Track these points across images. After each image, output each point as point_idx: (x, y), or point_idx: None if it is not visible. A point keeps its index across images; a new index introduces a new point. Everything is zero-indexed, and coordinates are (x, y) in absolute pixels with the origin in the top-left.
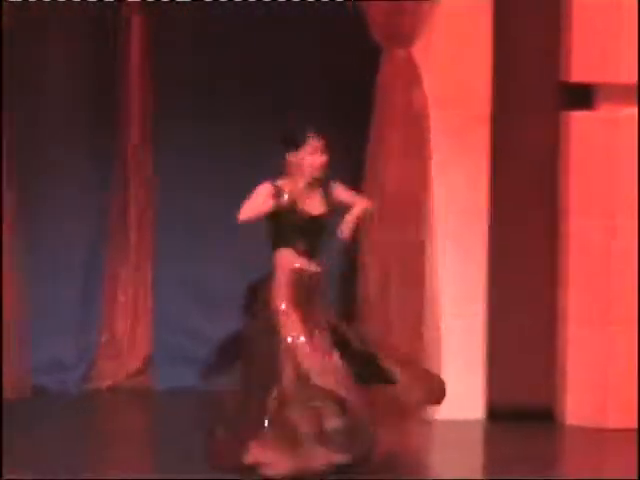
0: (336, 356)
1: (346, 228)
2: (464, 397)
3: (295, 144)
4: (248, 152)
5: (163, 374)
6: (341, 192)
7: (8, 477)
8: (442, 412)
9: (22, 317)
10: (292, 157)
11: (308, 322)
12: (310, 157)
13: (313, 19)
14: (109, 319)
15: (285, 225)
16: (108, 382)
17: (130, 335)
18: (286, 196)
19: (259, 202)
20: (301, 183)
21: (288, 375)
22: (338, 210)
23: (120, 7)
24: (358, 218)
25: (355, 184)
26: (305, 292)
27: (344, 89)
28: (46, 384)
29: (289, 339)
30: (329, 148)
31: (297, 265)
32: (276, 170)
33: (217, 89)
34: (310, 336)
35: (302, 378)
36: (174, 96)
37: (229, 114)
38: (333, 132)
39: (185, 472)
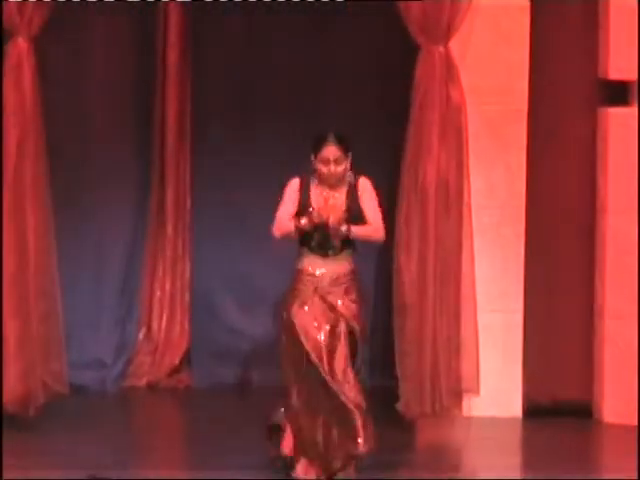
0: (341, 356)
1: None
2: (502, 394)
3: (314, 150)
4: (286, 149)
5: (201, 371)
6: (366, 201)
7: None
8: (480, 409)
9: (58, 315)
10: (314, 161)
11: (320, 321)
12: (322, 166)
13: (351, 17)
14: (146, 315)
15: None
16: (146, 379)
17: (167, 331)
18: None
19: (287, 209)
20: (323, 185)
21: (299, 375)
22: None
23: (159, 6)
24: (358, 237)
25: (393, 179)
26: (316, 291)
27: (384, 85)
28: (84, 382)
29: (300, 338)
30: (368, 143)
31: (300, 266)
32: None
33: (255, 87)
34: (319, 335)
35: (308, 377)
36: (211, 94)
37: (266, 112)
38: (372, 128)
39: (221, 469)
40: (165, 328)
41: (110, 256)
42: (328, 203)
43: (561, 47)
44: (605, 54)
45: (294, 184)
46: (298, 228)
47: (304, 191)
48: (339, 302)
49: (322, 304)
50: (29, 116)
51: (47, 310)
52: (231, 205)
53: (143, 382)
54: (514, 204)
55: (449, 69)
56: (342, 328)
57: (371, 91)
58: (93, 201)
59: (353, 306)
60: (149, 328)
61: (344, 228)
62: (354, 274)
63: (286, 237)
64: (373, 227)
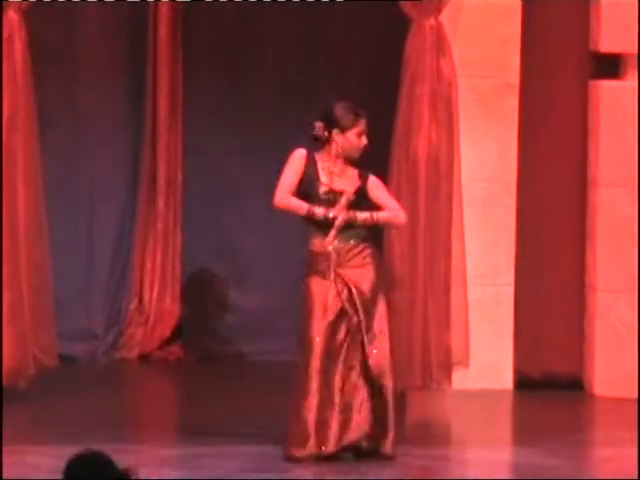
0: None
1: (339, 208)
2: (492, 367)
3: (343, 124)
4: (278, 124)
5: (192, 343)
6: (378, 193)
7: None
8: (471, 382)
9: (49, 287)
10: (337, 135)
11: (330, 298)
12: (357, 139)
13: None
14: (138, 287)
15: (310, 198)
16: (137, 351)
17: (158, 303)
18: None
19: (291, 179)
20: (337, 160)
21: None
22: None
23: None
24: (378, 223)
25: (384, 153)
26: (326, 268)
27: (374, 58)
28: (75, 353)
29: (309, 315)
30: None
31: (311, 247)
32: (307, 138)
33: (246, 62)
34: (326, 312)
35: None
36: (203, 69)
37: (259, 87)
38: (361, 101)
39: (212, 442)
40: (156, 300)
41: (102, 228)
42: (334, 181)
43: (553, 20)
44: (596, 27)
45: (300, 155)
46: (310, 215)
47: (311, 165)
48: (355, 274)
49: (338, 278)
50: (20, 89)
51: (38, 283)
52: (223, 179)
53: (134, 354)
54: (505, 178)
55: (440, 42)
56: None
57: (361, 64)
58: (84, 175)
59: (369, 275)
60: (140, 300)
61: (365, 216)
62: (367, 243)
63: (286, 212)
64: (394, 211)
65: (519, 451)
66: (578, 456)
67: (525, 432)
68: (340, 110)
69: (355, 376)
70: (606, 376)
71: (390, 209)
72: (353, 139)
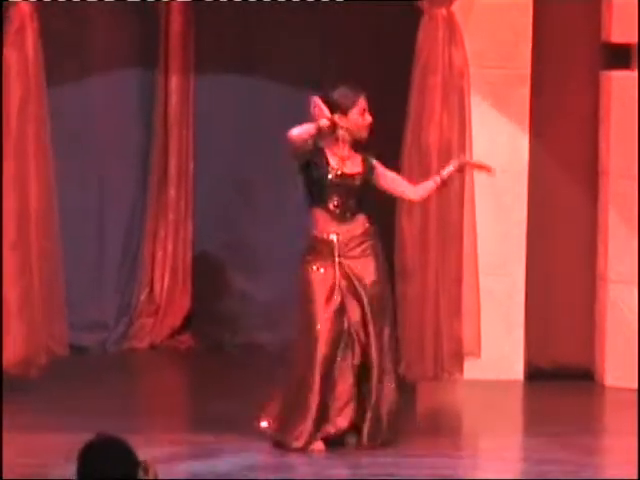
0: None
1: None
2: (504, 357)
3: (344, 105)
4: (290, 116)
5: (202, 332)
6: (391, 177)
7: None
8: (482, 372)
9: (60, 277)
10: (340, 119)
11: (333, 285)
12: (360, 117)
13: None
14: (148, 277)
15: (317, 180)
16: (147, 341)
17: (169, 293)
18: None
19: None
20: (344, 146)
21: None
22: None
23: None
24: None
25: (396, 144)
26: (331, 256)
27: (385, 48)
28: (85, 343)
29: (311, 303)
30: (371, 107)
31: (314, 232)
32: None
33: (258, 53)
34: (330, 302)
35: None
36: (215, 60)
37: (270, 78)
38: (373, 91)
39: (223, 432)
40: (167, 290)
41: (112, 218)
42: (345, 164)
43: (565, 10)
44: (608, 17)
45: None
46: (320, 127)
47: (319, 154)
48: (357, 265)
49: (340, 268)
50: (32, 80)
51: (49, 272)
52: (234, 169)
53: (145, 344)
54: (517, 168)
55: (452, 32)
56: (360, 293)
57: (373, 55)
58: (96, 165)
59: (371, 265)
60: (151, 290)
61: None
62: (371, 234)
63: (300, 137)
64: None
65: (529, 442)
66: (588, 447)
67: (536, 423)
68: (337, 94)
69: (347, 369)
70: (617, 367)
71: (406, 186)
72: (356, 118)
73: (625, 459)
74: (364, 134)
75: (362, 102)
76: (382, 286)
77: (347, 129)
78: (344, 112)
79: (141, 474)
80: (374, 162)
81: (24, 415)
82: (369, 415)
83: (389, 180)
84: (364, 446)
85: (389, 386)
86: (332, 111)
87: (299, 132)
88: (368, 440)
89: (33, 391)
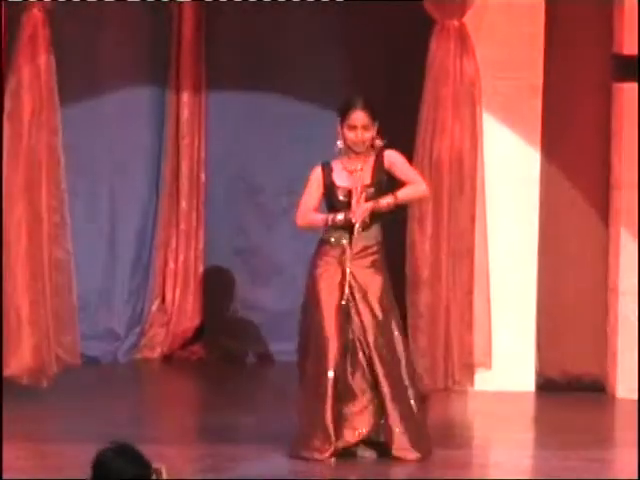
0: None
1: (360, 213)
2: (515, 368)
3: (340, 116)
4: (301, 123)
5: (214, 343)
6: (397, 166)
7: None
8: (493, 384)
9: (71, 287)
10: (339, 129)
11: (342, 293)
12: (348, 132)
13: None
14: (160, 287)
15: (331, 202)
16: (158, 351)
17: (180, 303)
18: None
19: (311, 198)
20: (349, 155)
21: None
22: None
23: None
24: (405, 201)
25: (408, 154)
26: (340, 263)
27: (397, 59)
28: (96, 353)
29: (319, 311)
30: (381, 117)
31: (324, 236)
32: (332, 141)
33: (270, 59)
34: (338, 309)
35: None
36: (226, 66)
37: (282, 84)
38: (385, 102)
39: (235, 442)
40: (178, 300)
41: (124, 228)
42: (350, 180)
43: (576, 22)
44: (620, 29)
45: (316, 174)
46: (333, 223)
47: (327, 176)
48: (365, 274)
49: (347, 275)
50: (44, 86)
51: (60, 282)
52: (246, 179)
53: (156, 354)
54: (528, 179)
55: (464, 43)
56: (364, 303)
57: (385, 65)
58: (107, 174)
59: (378, 278)
60: (162, 300)
61: (388, 199)
62: (380, 246)
63: (310, 229)
64: (414, 185)
65: (540, 453)
66: (600, 458)
67: (547, 434)
68: (341, 103)
69: (359, 378)
70: (628, 378)
71: (411, 181)
72: (346, 132)
73: (636, 471)
74: (358, 149)
75: (354, 118)
76: (387, 296)
77: (344, 140)
78: (341, 122)
79: (154, 477)
80: (385, 153)
81: (35, 425)
82: (385, 427)
83: (399, 173)
84: (380, 457)
85: (407, 399)
86: (339, 119)
87: (306, 224)
88: (385, 450)
89: (44, 401)
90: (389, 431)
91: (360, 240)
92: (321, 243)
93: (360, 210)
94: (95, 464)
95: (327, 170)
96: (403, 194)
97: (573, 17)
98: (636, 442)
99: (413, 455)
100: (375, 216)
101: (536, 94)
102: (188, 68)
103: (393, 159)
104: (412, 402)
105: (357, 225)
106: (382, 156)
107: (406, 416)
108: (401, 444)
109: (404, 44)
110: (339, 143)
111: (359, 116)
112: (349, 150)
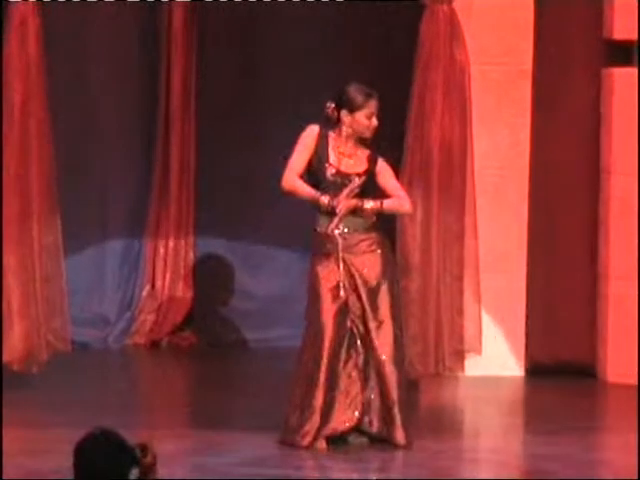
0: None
1: (343, 207)
2: (505, 354)
3: (353, 104)
4: (292, 110)
5: (204, 329)
6: (386, 179)
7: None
8: (483, 369)
9: (61, 273)
10: (345, 117)
11: (338, 283)
12: (367, 120)
13: None
14: (150, 273)
15: (318, 179)
16: (149, 337)
17: (171, 289)
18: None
19: (300, 159)
20: (347, 141)
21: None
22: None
23: None
24: (388, 211)
25: (397, 140)
26: (335, 252)
27: (387, 44)
28: (87, 339)
29: (317, 300)
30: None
31: (318, 228)
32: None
33: (261, 49)
34: (335, 300)
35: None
36: (217, 55)
37: (272, 73)
38: (375, 87)
39: (224, 429)
40: (169, 286)
41: (114, 214)
42: (343, 162)
43: (566, 7)
44: (610, 14)
45: (312, 131)
46: (315, 202)
47: (322, 142)
48: (361, 260)
49: (343, 264)
50: (34, 75)
51: (50, 268)
52: (236, 165)
53: (146, 340)
54: (518, 165)
55: (453, 28)
56: (362, 290)
57: (375, 50)
58: (97, 160)
59: (377, 265)
60: (153, 286)
61: (373, 204)
62: (375, 231)
63: (292, 195)
64: (400, 199)
65: (531, 438)
66: (590, 443)
67: (537, 419)
68: (351, 91)
69: (351, 366)
70: (618, 363)
71: (396, 196)
72: (362, 120)
73: (626, 456)
74: (367, 135)
75: (372, 105)
76: (385, 281)
77: (350, 127)
78: (351, 110)
79: (139, 455)
80: (379, 161)
81: (25, 411)
82: (375, 414)
83: (383, 185)
84: (400, 445)
85: (395, 384)
86: (341, 106)
87: (290, 190)
88: (376, 438)
89: (34, 387)
90: (378, 417)
91: (353, 228)
92: (315, 235)
93: (345, 204)
94: (76, 450)
95: (323, 136)
96: (388, 205)
97: (563, 2)
98: (626, 427)
99: (402, 440)
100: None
101: (526, 79)
102: (178, 54)
103: (385, 169)
104: (396, 388)
105: (337, 217)
106: (377, 158)
107: (395, 401)
108: (390, 430)
109: (394, 29)
110: (344, 129)
111: (375, 104)
112: (351, 137)
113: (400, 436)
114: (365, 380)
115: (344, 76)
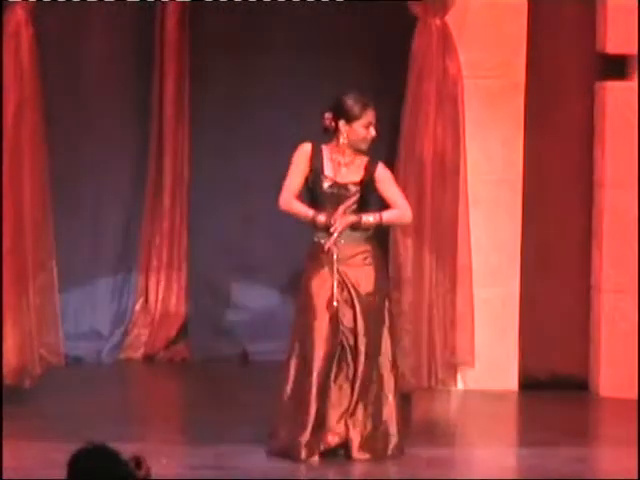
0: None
1: (340, 224)
2: (498, 367)
3: (350, 115)
4: (286, 120)
5: (198, 343)
6: (386, 187)
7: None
8: (476, 382)
9: (54, 287)
10: (343, 126)
11: (331, 295)
12: (364, 130)
13: None
14: (143, 287)
15: (313, 189)
16: (142, 351)
17: (164, 303)
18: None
19: (296, 180)
20: (345, 150)
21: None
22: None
23: None
24: (389, 223)
25: (391, 151)
26: (329, 264)
27: (381, 57)
28: (80, 353)
29: (309, 312)
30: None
31: (315, 238)
32: (317, 134)
33: (254, 56)
34: (327, 312)
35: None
36: (210, 63)
37: (266, 81)
38: (374, 89)
39: (218, 442)
40: (162, 300)
41: (107, 226)
42: (339, 173)
43: (559, 20)
44: (603, 28)
45: (305, 150)
46: (312, 221)
47: (316, 158)
48: (356, 274)
49: (338, 276)
50: (27, 84)
51: (44, 282)
52: (229, 176)
53: (139, 354)
54: (511, 177)
55: (446, 42)
56: (358, 302)
57: (368, 63)
58: (90, 172)
59: (370, 277)
60: (146, 299)
61: (372, 219)
62: (373, 245)
63: (291, 216)
64: (400, 211)
65: (524, 452)
66: (583, 457)
67: (530, 433)
68: (349, 101)
69: (342, 379)
70: (612, 377)
71: (396, 206)
72: (360, 130)
73: (619, 469)
74: (363, 146)
75: (369, 115)
76: (378, 296)
77: (348, 137)
78: (349, 120)
79: (133, 468)
80: (378, 168)
81: (19, 424)
82: (365, 427)
83: (383, 193)
84: (356, 458)
85: (388, 399)
86: (339, 116)
87: (287, 211)
88: (362, 452)
89: (27, 401)
90: (361, 429)
91: (349, 240)
92: (312, 245)
93: (342, 222)
94: (70, 464)
95: (317, 152)
96: (388, 217)
97: (556, 15)
98: (620, 440)
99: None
100: (361, 211)
101: (519, 93)
102: (172, 63)
103: (384, 176)
104: (391, 401)
105: (335, 234)
106: (375, 165)
107: (382, 415)
108: (376, 442)
109: (387, 41)
110: (342, 139)
111: (373, 114)
112: (349, 146)
113: (396, 449)
114: (359, 394)
115: (338, 87)
